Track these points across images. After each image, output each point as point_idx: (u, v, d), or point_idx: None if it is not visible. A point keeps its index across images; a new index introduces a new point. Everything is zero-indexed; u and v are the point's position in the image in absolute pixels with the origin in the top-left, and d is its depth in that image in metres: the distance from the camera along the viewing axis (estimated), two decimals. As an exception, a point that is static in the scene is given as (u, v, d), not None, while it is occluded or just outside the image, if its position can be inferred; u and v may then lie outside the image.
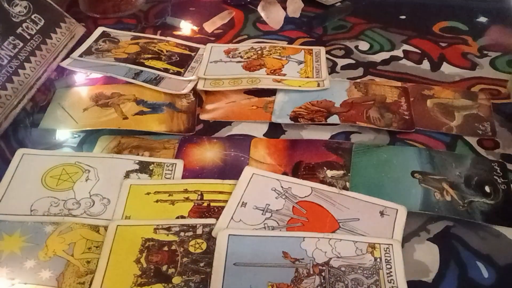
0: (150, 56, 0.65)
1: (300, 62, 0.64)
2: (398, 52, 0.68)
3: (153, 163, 0.50)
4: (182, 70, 0.63)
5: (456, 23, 0.72)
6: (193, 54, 0.67)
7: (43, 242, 0.42)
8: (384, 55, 0.67)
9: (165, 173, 0.49)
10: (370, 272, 0.40)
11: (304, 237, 0.42)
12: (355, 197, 0.46)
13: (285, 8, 0.74)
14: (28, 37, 0.59)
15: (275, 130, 0.55)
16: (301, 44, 0.70)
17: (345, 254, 0.41)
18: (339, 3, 0.78)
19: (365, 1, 0.79)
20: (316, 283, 0.39)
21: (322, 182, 0.48)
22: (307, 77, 0.61)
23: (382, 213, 0.45)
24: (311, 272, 0.40)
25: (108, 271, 0.40)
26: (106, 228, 0.43)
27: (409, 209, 0.45)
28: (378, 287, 0.39)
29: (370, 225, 0.44)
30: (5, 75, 0.55)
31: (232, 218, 0.44)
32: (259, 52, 0.66)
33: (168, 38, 0.70)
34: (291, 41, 0.70)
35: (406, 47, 0.68)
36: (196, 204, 0.46)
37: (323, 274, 0.40)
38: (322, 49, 0.67)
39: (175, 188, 0.47)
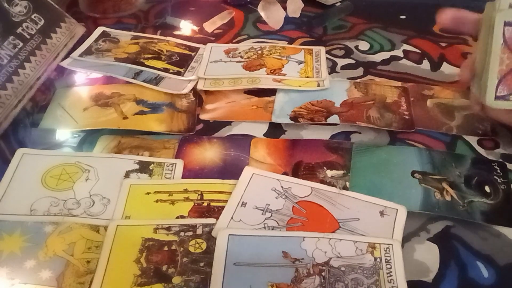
0: (150, 56, 0.65)
1: (300, 62, 0.64)
2: (398, 52, 0.68)
3: (153, 163, 0.50)
4: (182, 70, 0.63)
5: (456, 23, 0.72)
6: (193, 54, 0.67)
7: (43, 242, 0.42)
8: (384, 55, 0.67)
9: (165, 173, 0.49)
10: (370, 272, 0.40)
11: (304, 237, 0.42)
12: (355, 197, 0.46)
13: (285, 8, 0.74)
14: (28, 37, 0.59)
15: (275, 130, 0.55)
16: (301, 44, 0.69)
17: (345, 254, 0.41)
18: (339, 3, 0.78)
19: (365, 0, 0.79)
20: (316, 283, 0.39)
21: (322, 182, 0.48)
22: (307, 77, 0.61)
23: (382, 213, 0.45)
24: (311, 272, 0.40)
25: (108, 271, 0.40)
26: (106, 228, 0.43)
27: (409, 209, 0.45)
28: (378, 287, 0.39)
29: (370, 225, 0.44)
30: (5, 75, 0.55)
31: (232, 218, 0.44)
32: (259, 52, 0.66)
33: (168, 38, 0.70)
34: (291, 41, 0.70)
35: (406, 47, 0.68)
36: (196, 204, 0.46)
37: (323, 274, 0.40)
38: (322, 49, 0.66)
39: (175, 188, 0.47)
